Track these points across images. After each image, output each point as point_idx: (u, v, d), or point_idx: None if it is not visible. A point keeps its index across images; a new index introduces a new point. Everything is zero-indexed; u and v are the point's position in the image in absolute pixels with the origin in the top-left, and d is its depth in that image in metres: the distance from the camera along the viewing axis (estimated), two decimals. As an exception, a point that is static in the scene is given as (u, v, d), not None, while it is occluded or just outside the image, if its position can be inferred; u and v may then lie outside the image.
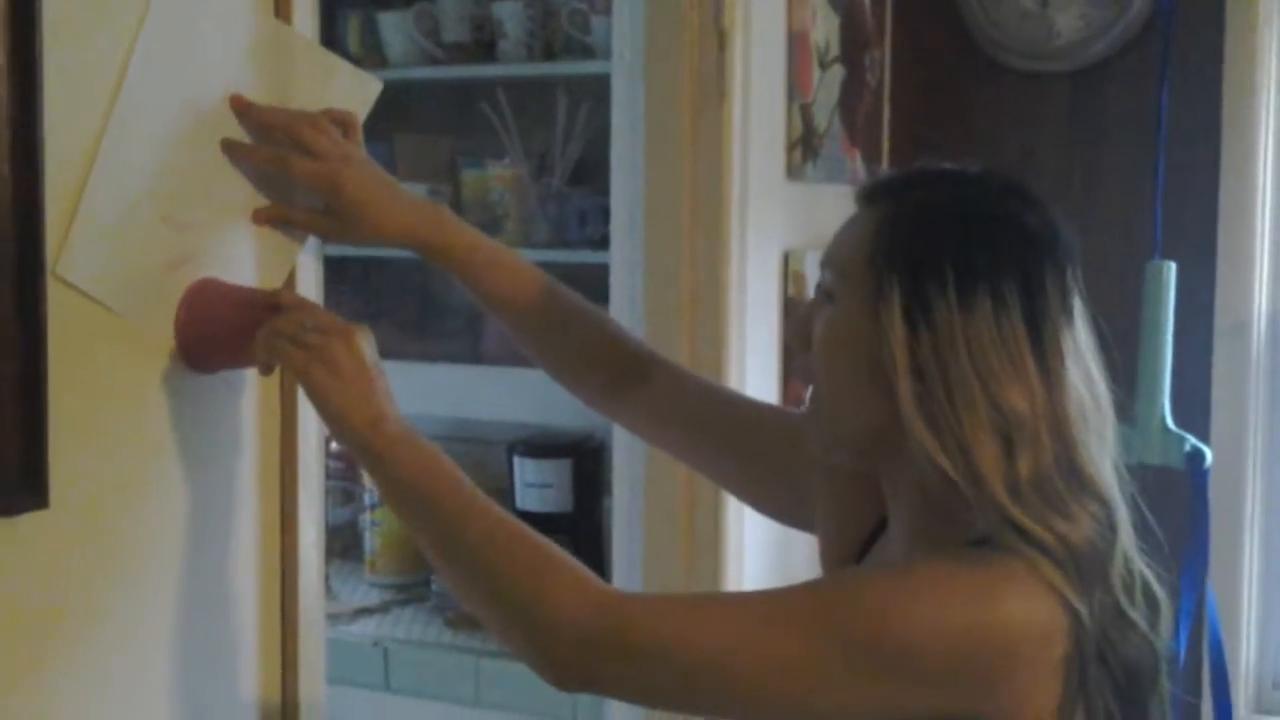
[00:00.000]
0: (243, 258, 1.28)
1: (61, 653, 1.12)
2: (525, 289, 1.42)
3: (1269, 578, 2.54)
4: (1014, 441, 1.10)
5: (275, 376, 1.32)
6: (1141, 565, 1.17)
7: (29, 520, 1.08)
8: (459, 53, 2.77)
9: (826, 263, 1.22)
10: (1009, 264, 1.13)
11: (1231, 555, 2.47)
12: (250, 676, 1.32)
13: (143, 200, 1.19)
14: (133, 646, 1.19)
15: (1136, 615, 1.15)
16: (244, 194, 1.29)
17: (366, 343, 1.19)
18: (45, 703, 1.11)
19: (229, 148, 1.26)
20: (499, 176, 2.74)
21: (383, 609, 2.71)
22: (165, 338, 1.21)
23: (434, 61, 2.79)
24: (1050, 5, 2.57)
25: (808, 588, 1.16)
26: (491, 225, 2.75)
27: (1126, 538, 1.15)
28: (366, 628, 2.63)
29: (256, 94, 1.28)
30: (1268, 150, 2.49)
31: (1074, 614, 1.09)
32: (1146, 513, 1.20)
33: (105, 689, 1.16)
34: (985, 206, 1.17)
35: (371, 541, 2.80)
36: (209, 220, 1.26)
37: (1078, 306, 1.16)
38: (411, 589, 2.76)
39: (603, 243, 2.58)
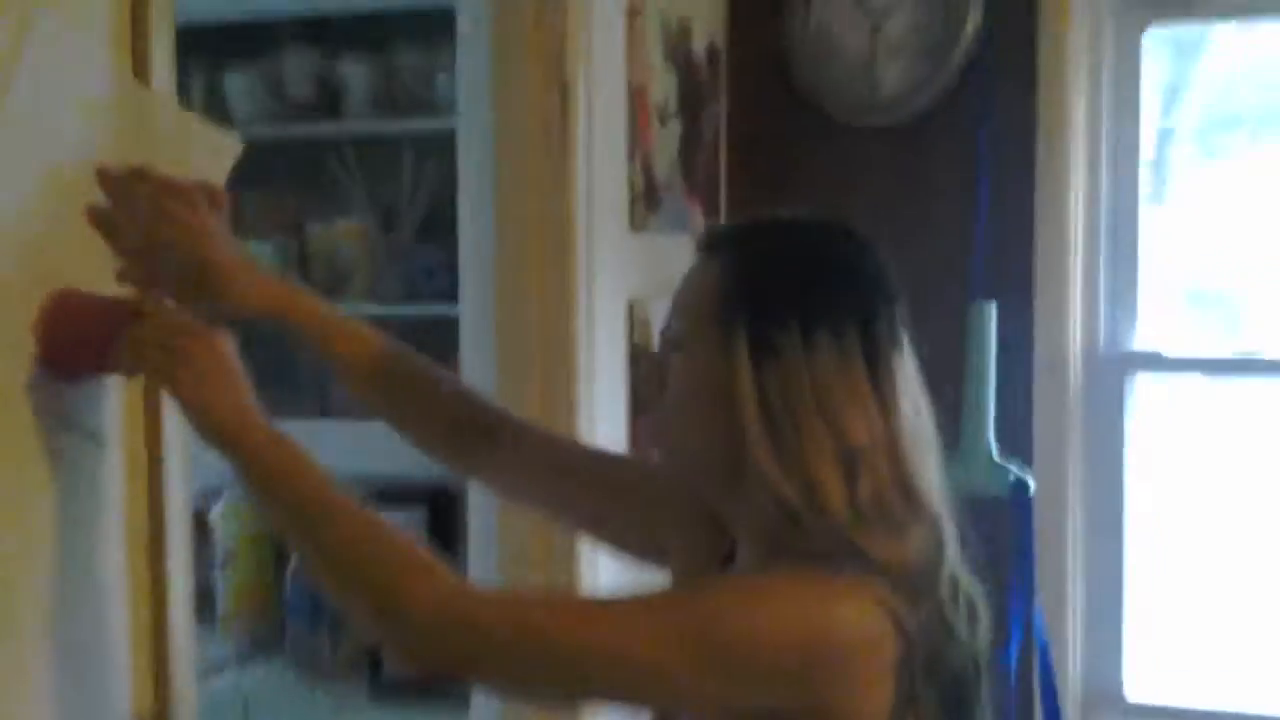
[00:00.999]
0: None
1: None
2: (375, 355, 1.47)
3: (1092, 594, 2.69)
4: (855, 468, 1.19)
5: (137, 428, 1.35)
6: (965, 578, 1.26)
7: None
8: (304, 110, 2.80)
9: (675, 312, 1.29)
10: (846, 305, 1.22)
11: (1058, 575, 2.61)
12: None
13: (7, 259, 1.22)
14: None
15: (960, 626, 1.24)
16: (107, 257, 1.31)
17: (229, 345, 1.23)
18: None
19: (93, 214, 1.28)
20: (346, 231, 2.78)
21: (240, 661, 2.70)
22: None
23: (279, 119, 2.82)
24: (875, 63, 2.71)
25: (656, 592, 1.25)
26: (340, 280, 2.78)
27: (952, 553, 1.25)
28: (226, 681, 2.62)
29: (119, 155, 1.31)
30: (1079, 195, 2.64)
31: (902, 627, 1.18)
32: (967, 529, 1.29)
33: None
34: (822, 252, 1.26)
35: (225, 596, 2.79)
36: (73, 280, 1.29)
37: (905, 341, 1.25)
38: (266, 640, 2.75)
39: (451, 295, 2.63)
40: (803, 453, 1.19)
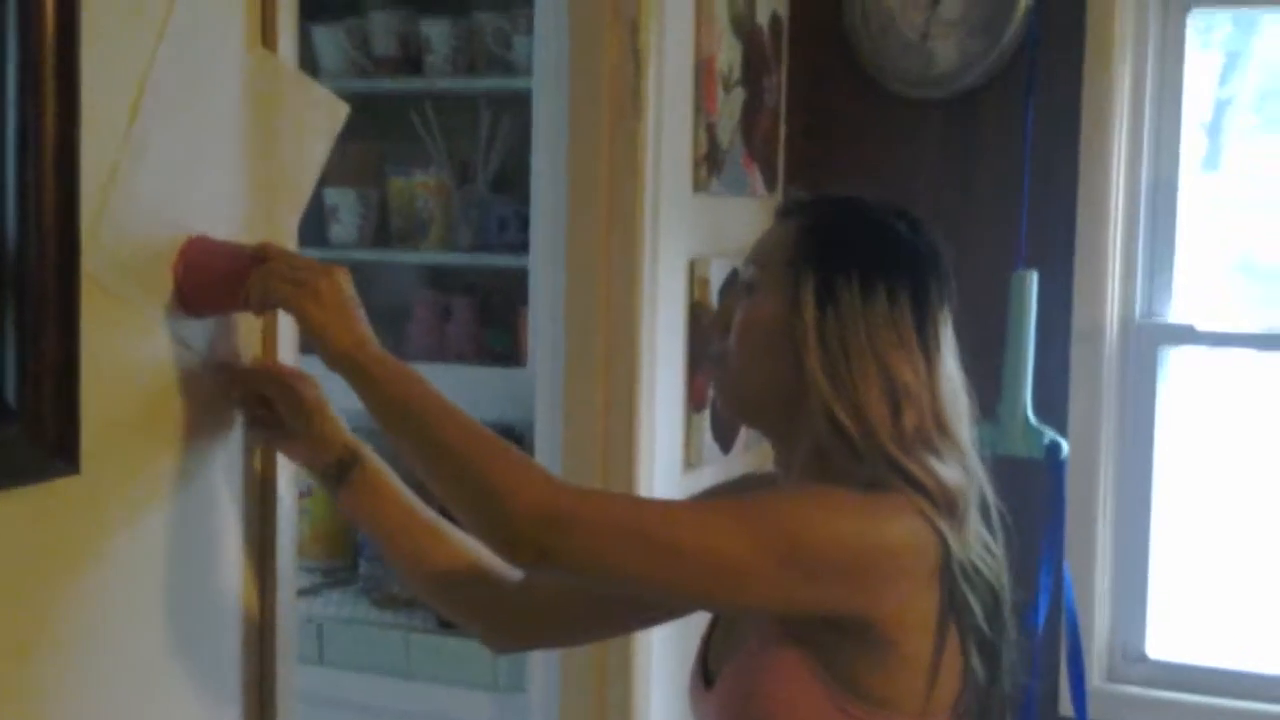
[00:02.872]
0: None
1: (89, 592, 1.32)
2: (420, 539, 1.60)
3: (1120, 558, 2.82)
4: (901, 403, 1.37)
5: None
6: (994, 500, 1.43)
7: (63, 484, 1.27)
8: (388, 66, 2.95)
9: (751, 260, 1.47)
10: (902, 269, 1.40)
11: (1087, 537, 2.74)
12: (235, 607, 1.53)
13: (153, 208, 1.38)
14: (146, 593, 1.39)
15: (992, 543, 1.41)
16: (235, 208, 1.47)
17: (346, 280, 1.39)
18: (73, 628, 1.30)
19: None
20: (424, 183, 2.93)
21: (314, 591, 2.87)
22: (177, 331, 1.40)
23: (364, 73, 2.97)
24: (930, 37, 2.83)
25: (740, 499, 1.44)
26: (417, 229, 2.94)
27: (982, 481, 1.42)
28: (299, 607, 2.79)
29: (247, 114, 1.47)
30: (1120, 170, 2.76)
31: (943, 539, 1.35)
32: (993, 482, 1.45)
33: (123, 619, 1.36)
34: (885, 223, 1.45)
35: (302, 528, 2.97)
36: (207, 228, 1.45)
37: (948, 313, 1.43)
38: (340, 572, 2.92)
39: (521, 246, 2.78)
40: (855, 384, 1.36)
